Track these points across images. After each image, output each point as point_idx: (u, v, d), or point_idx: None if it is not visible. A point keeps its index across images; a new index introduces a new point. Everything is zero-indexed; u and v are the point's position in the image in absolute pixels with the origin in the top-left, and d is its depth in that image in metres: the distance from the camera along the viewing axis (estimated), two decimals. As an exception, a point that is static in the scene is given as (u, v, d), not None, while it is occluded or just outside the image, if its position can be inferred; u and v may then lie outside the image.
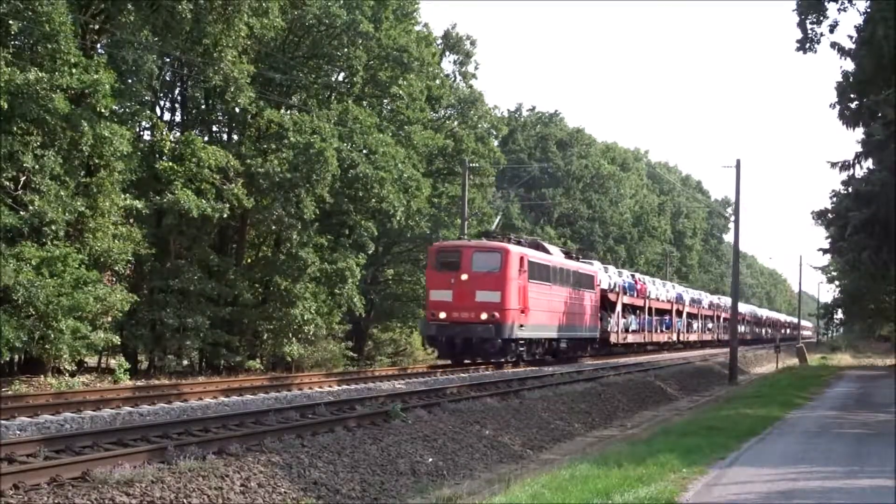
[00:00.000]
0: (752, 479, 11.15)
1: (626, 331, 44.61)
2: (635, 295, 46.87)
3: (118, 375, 23.56)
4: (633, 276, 49.81)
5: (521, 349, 30.46)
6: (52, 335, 20.56)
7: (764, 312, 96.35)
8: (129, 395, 18.49)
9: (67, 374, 22.64)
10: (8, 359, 21.43)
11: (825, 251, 39.00)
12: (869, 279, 35.59)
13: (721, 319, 67.36)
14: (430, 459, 14.49)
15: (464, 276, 28.65)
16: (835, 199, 30.08)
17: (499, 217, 37.85)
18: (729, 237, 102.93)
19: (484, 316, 28.27)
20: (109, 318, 23.35)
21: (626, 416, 24.28)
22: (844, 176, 26.82)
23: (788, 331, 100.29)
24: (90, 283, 21.66)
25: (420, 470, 13.91)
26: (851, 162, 25.06)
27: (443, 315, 28.72)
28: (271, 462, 12.01)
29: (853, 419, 19.34)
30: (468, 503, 11.61)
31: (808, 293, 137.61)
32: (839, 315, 66.87)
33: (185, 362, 28.18)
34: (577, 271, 36.17)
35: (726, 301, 69.79)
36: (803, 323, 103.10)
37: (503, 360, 29.91)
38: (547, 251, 34.03)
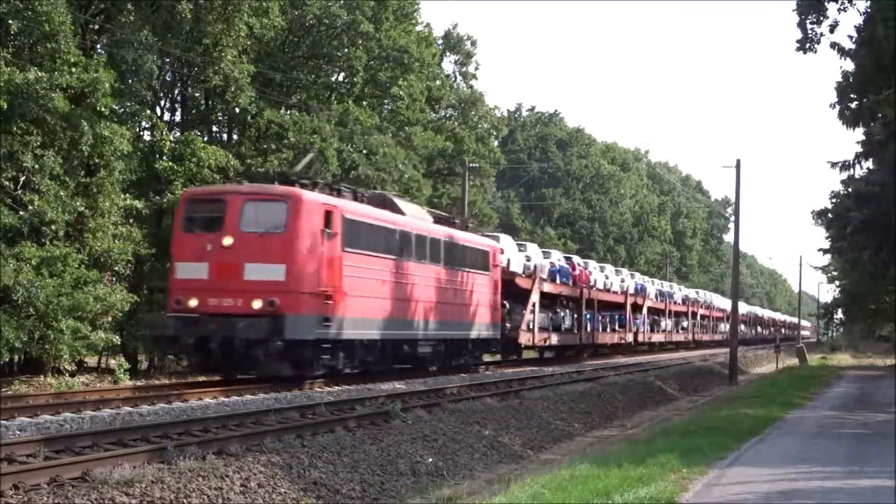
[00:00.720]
0: (752, 479, 11.14)
1: (553, 329, 35.02)
2: (570, 282, 37.46)
3: (118, 375, 23.53)
4: (568, 258, 40.59)
5: (326, 357, 20.13)
6: (52, 335, 20.52)
7: (758, 310, 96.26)
8: (129, 395, 18.42)
9: (67, 375, 22.63)
10: (8, 359, 21.41)
11: (825, 251, 39.15)
12: (869, 279, 35.64)
13: (698, 317, 60.17)
14: (430, 459, 14.49)
15: (227, 241, 18.76)
16: (835, 199, 30.14)
17: (311, 154, 26.79)
18: (729, 237, 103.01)
19: (257, 304, 18.46)
20: (109, 319, 23.32)
21: (626, 416, 24.30)
22: (844, 176, 26.94)
23: (788, 331, 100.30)
24: (90, 284, 21.63)
25: (420, 470, 13.91)
26: (851, 162, 25.15)
27: (193, 303, 18.78)
28: (271, 462, 12.00)
29: (853, 419, 19.35)
30: (468, 503, 11.61)
31: (808, 293, 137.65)
32: (839, 315, 67.00)
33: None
34: (455, 242, 25.91)
35: (707, 296, 67.17)
36: (803, 323, 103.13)
37: (297, 375, 19.77)
38: (399, 210, 23.69)
